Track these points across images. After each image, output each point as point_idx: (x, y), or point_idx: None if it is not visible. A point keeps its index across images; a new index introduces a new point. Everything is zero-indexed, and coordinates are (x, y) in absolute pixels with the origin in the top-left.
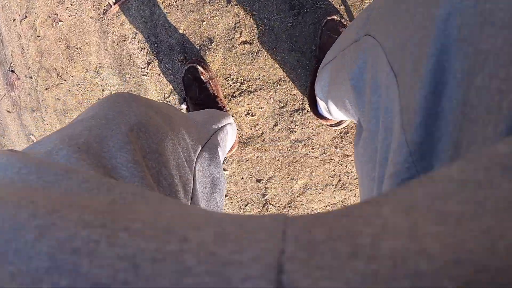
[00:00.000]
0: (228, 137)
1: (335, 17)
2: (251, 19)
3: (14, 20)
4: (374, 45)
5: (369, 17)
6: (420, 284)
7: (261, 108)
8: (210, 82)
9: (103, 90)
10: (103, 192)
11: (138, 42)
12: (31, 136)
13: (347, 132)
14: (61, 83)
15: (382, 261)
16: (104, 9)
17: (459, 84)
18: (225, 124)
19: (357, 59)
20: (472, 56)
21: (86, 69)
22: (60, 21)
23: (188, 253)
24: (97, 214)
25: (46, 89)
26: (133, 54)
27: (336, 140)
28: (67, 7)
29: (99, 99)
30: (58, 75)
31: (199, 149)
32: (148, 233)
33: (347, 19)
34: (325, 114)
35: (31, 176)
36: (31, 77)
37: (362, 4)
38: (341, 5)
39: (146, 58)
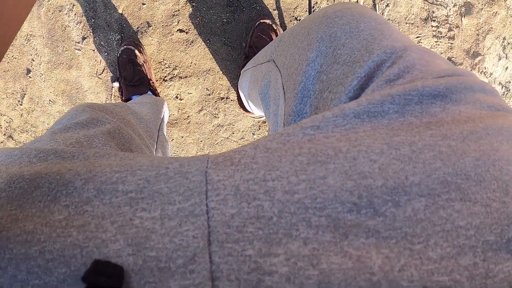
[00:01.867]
0: (165, 124)
1: (267, 21)
2: (190, 9)
3: None
4: (276, 72)
5: (278, 46)
6: None
7: (189, 93)
8: (145, 65)
9: (32, 59)
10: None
11: (75, 15)
12: None
13: (265, 122)
14: None
15: (252, 170)
16: None
17: (315, 97)
18: (163, 114)
19: (264, 78)
20: (325, 81)
21: (16, 36)
22: None
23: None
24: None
25: None
26: (68, 26)
27: (254, 127)
28: None
29: (76, 106)
30: None
31: (154, 148)
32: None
33: (278, 24)
34: (249, 108)
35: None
36: None
37: (294, 12)
38: (275, 10)
39: (81, 33)
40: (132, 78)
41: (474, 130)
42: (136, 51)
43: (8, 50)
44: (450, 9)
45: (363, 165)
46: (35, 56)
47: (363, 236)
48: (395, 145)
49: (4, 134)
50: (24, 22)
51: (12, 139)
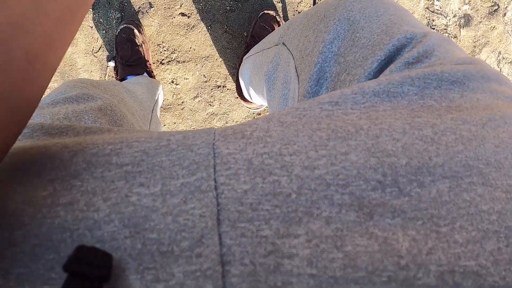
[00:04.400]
0: (158, 106)
1: (271, 12)
2: None
3: None
4: (287, 54)
5: (288, 29)
6: None
7: (186, 79)
8: (143, 46)
9: None
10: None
11: None
12: None
13: (259, 114)
14: None
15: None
16: None
17: (332, 79)
18: (158, 96)
19: (273, 60)
20: (342, 63)
21: None
22: None
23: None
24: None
25: None
26: None
27: (249, 118)
28: None
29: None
30: None
31: (148, 129)
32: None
33: (281, 16)
34: (247, 97)
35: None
36: None
37: (297, 6)
38: (279, 2)
39: None
40: (129, 58)
41: (492, 117)
42: (136, 31)
43: None
44: (449, 19)
45: (386, 143)
46: None
47: (389, 217)
48: (417, 126)
49: None
50: None
51: None
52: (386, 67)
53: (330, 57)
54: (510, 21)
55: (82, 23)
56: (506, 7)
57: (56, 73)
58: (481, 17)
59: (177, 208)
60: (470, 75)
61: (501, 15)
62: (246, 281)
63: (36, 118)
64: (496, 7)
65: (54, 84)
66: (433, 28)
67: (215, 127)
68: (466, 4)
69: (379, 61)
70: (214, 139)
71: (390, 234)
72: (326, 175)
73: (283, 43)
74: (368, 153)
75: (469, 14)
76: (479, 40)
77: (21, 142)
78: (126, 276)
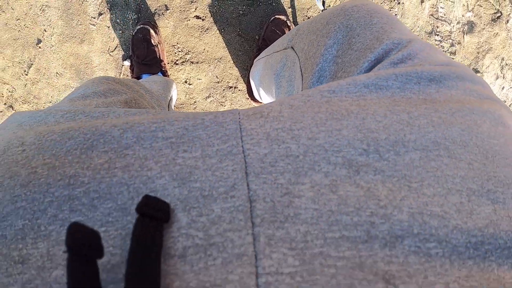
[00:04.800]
0: (173, 104)
1: (282, 17)
2: None
3: None
4: (293, 56)
5: (296, 34)
6: None
7: (199, 79)
8: (159, 46)
9: (45, 30)
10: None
11: None
12: None
13: None
14: None
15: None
16: None
17: (330, 76)
18: (172, 94)
19: (281, 61)
20: (340, 63)
21: (31, 5)
22: None
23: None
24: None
25: None
26: (86, 1)
27: None
28: None
29: (89, 78)
30: None
31: None
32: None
33: (291, 20)
34: (258, 98)
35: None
36: None
37: (307, 12)
38: (289, 8)
39: (98, 8)
40: (145, 57)
41: (461, 108)
42: (152, 31)
43: (21, 18)
44: (453, 26)
45: (370, 123)
46: (48, 27)
47: (371, 173)
48: (396, 112)
49: (5, 104)
50: None
51: (13, 109)
52: (375, 66)
53: (329, 59)
54: None
55: (100, 23)
56: (509, 14)
57: (72, 71)
58: (484, 24)
59: (215, 166)
60: (446, 75)
61: (504, 22)
62: (268, 212)
63: (71, 108)
64: (499, 14)
65: (70, 81)
66: (437, 35)
67: None
68: (470, 11)
69: (370, 61)
70: (239, 118)
71: (372, 185)
72: (325, 144)
73: (291, 47)
74: (356, 130)
75: (472, 21)
76: (483, 46)
77: (66, 124)
78: (176, 214)
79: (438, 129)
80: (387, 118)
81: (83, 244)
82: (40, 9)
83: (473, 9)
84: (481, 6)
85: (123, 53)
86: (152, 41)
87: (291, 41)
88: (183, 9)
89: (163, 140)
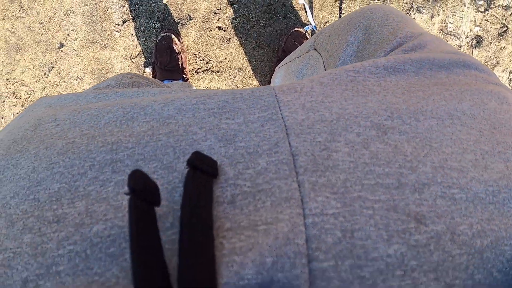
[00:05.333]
0: None
1: (301, 29)
2: (231, 10)
3: None
4: (316, 55)
5: (318, 37)
6: None
7: (219, 87)
8: (181, 54)
9: (68, 35)
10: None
11: None
12: None
13: None
14: (23, 17)
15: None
16: None
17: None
18: None
19: (304, 61)
20: (360, 57)
21: (56, 10)
22: None
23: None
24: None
25: (3, 19)
26: (111, 8)
27: None
28: None
29: (106, 77)
30: (22, 7)
31: None
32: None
33: (310, 34)
34: None
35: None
36: None
37: (324, 25)
38: (307, 22)
39: (123, 16)
40: (168, 63)
41: (469, 88)
42: (176, 39)
43: (45, 22)
44: (462, 40)
45: (391, 99)
46: (72, 31)
47: (397, 134)
48: (412, 91)
49: (22, 105)
50: None
51: None
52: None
53: (351, 54)
54: None
55: (124, 30)
56: None
57: (92, 75)
58: (491, 38)
59: (257, 129)
60: (455, 62)
61: (510, 36)
62: (310, 164)
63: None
64: (505, 29)
65: (90, 85)
66: None
67: None
68: (477, 26)
69: (385, 52)
70: (275, 92)
71: (398, 143)
72: (354, 112)
73: (314, 48)
74: (379, 103)
75: (480, 36)
76: (491, 60)
77: (98, 104)
78: (223, 168)
79: (450, 103)
80: (405, 95)
81: (145, 188)
82: (65, 14)
83: (480, 24)
84: (488, 21)
85: (144, 60)
86: (175, 49)
87: (313, 45)
88: (206, 20)
89: (205, 111)
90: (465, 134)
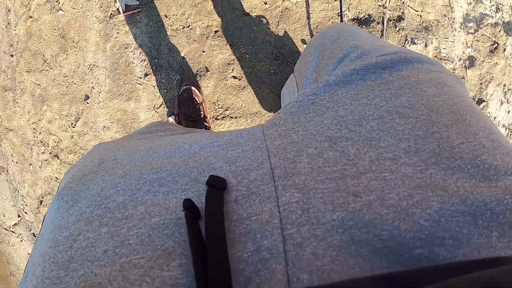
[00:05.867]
0: None
1: None
2: (243, 60)
3: None
4: (292, 77)
5: (295, 65)
6: None
7: None
8: (203, 104)
9: (92, 87)
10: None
11: (140, 53)
12: None
13: None
14: (46, 70)
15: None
16: (111, 13)
17: (312, 81)
18: None
19: (289, 82)
20: (317, 71)
21: (79, 64)
22: (61, 9)
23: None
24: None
25: (28, 72)
26: (132, 62)
27: None
28: None
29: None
30: (45, 61)
31: None
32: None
33: None
34: None
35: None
36: (12, 56)
37: None
38: None
39: (144, 70)
40: (191, 114)
41: (409, 82)
42: (196, 91)
43: (69, 75)
44: (456, 63)
45: (341, 112)
46: (96, 84)
47: (344, 141)
48: (358, 99)
49: (50, 153)
50: (90, 53)
51: (58, 158)
52: (339, 65)
53: (311, 69)
54: (510, 55)
55: (146, 82)
56: (505, 43)
57: (118, 125)
58: (483, 56)
59: (250, 154)
60: (397, 61)
61: (501, 51)
62: (282, 173)
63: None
64: (495, 45)
65: (116, 134)
66: None
67: None
68: (469, 48)
69: (334, 64)
70: (262, 129)
71: (345, 148)
72: (313, 131)
73: (292, 72)
74: (333, 118)
75: (472, 56)
76: (485, 77)
77: (146, 146)
78: (229, 180)
79: (390, 101)
80: (352, 105)
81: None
82: (88, 68)
83: (471, 45)
84: (479, 41)
85: (167, 109)
86: (197, 100)
87: (293, 69)
88: (222, 71)
89: (217, 147)
90: (402, 125)
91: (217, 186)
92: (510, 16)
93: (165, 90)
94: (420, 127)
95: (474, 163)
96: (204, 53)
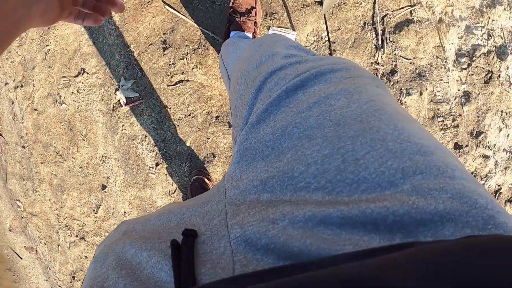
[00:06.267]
0: None
1: None
2: None
3: (6, 83)
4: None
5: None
6: None
7: None
8: None
9: (108, 178)
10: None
11: (148, 144)
12: (17, 202)
13: None
14: (60, 162)
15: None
16: (113, 106)
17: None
18: None
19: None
20: (241, 100)
21: (91, 156)
22: (64, 103)
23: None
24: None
25: (42, 163)
26: (142, 153)
27: None
28: (73, 92)
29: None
30: (57, 153)
31: None
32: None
33: None
34: None
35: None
36: (23, 147)
37: None
38: None
39: (154, 160)
40: None
41: (318, 100)
42: (205, 179)
43: (83, 167)
44: (451, 102)
45: (266, 151)
46: (111, 175)
47: (272, 179)
48: (275, 132)
49: (77, 236)
50: (99, 146)
51: (85, 240)
52: (258, 96)
53: (238, 98)
54: (505, 80)
55: (158, 171)
56: (499, 69)
57: (138, 210)
58: (479, 89)
59: (215, 205)
60: (307, 78)
61: (496, 79)
62: (230, 212)
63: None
64: (490, 74)
65: None
66: (439, 116)
67: None
68: (464, 84)
69: (252, 94)
70: (224, 184)
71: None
72: (249, 177)
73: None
74: (262, 161)
75: (468, 91)
76: (481, 109)
77: (155, 215)
78: (199, 228)
79: (299, 126)
80: (271, 141)
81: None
82: (101, 160)
83: (466, 80)
84: (473, 74)
85: (182, 194)
86: (208, 187)
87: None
88: (228, 155)
89: (197, 206)
90: (310, 148)
91: (190, 234)
92: (502, 39)
93: (177, 177)
94: (327, 146)
95: (379, 171)
96: (209, 140)
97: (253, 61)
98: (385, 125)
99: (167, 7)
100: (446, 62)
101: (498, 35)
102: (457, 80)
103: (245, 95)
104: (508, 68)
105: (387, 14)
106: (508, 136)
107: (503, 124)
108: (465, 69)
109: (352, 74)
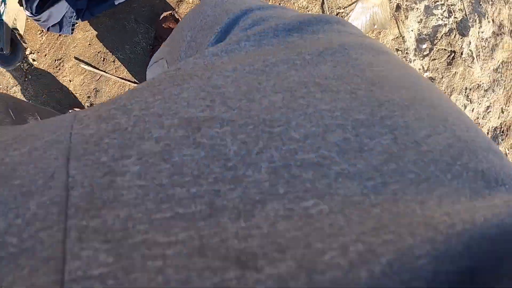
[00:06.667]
0: None
1: None
2: None
3: None
4: (163, 61)
5: (165, 44)
6: None
7: None
8: None
9: None
10: None
11: None
12: None
13: None
14: None
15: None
16: None
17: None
18: None
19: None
20: (194, 46)
21: None
22: None
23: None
24: None
25: None
26: None
27: None
28: None
29: None
30: None
31: None
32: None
33: None
34: None
35: None
36: None
37: None
38: None
39: None
40: None
41: (330, 47)
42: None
43: None
44: None
45: (216, 80)
46: None
47: (217, 127)
48: (248, 64)
49: None
50: None
51: None
52: (225, 37)
53: (185, 46)
54: (468, 56)
55: None
56: (461, 46)
57: None
58: (442, 73)
59: (39, 157)
60: (308, 21)
61: (458, 57)
62: (84, 199)
63: None
64: (452, 55)
65: None
66: None
67: None
68: (427, 71)
69: (216, 33)
70: (78, 111)
71: (218, 141)
72: (159, 110)
73: (162, 58)
74: (199, 89)
75: (431, 77)
76: (446, 92)
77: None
78: None
79: (303, 70)
80: (237, 71)
81: None
82: None
83: (428, 67)
84: (435, 59)
85: None
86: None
87: (164, 56)
88: None
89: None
90: (328, 103)
91: None
92: (462, 12)
93: None
94: (360, 107)
95: (455, 170)
96: None
97: (211, 7)
98: (437, 99)
99: (82, 64)
100: (407, 53)
101: (459, 9)
102: (420, 69)
103: (198, 38)
104: (470, 43)
105: (339, 12)
106: (473, 110)
107: (468, 100)
108: (427, 55)
109: (360, 32)
